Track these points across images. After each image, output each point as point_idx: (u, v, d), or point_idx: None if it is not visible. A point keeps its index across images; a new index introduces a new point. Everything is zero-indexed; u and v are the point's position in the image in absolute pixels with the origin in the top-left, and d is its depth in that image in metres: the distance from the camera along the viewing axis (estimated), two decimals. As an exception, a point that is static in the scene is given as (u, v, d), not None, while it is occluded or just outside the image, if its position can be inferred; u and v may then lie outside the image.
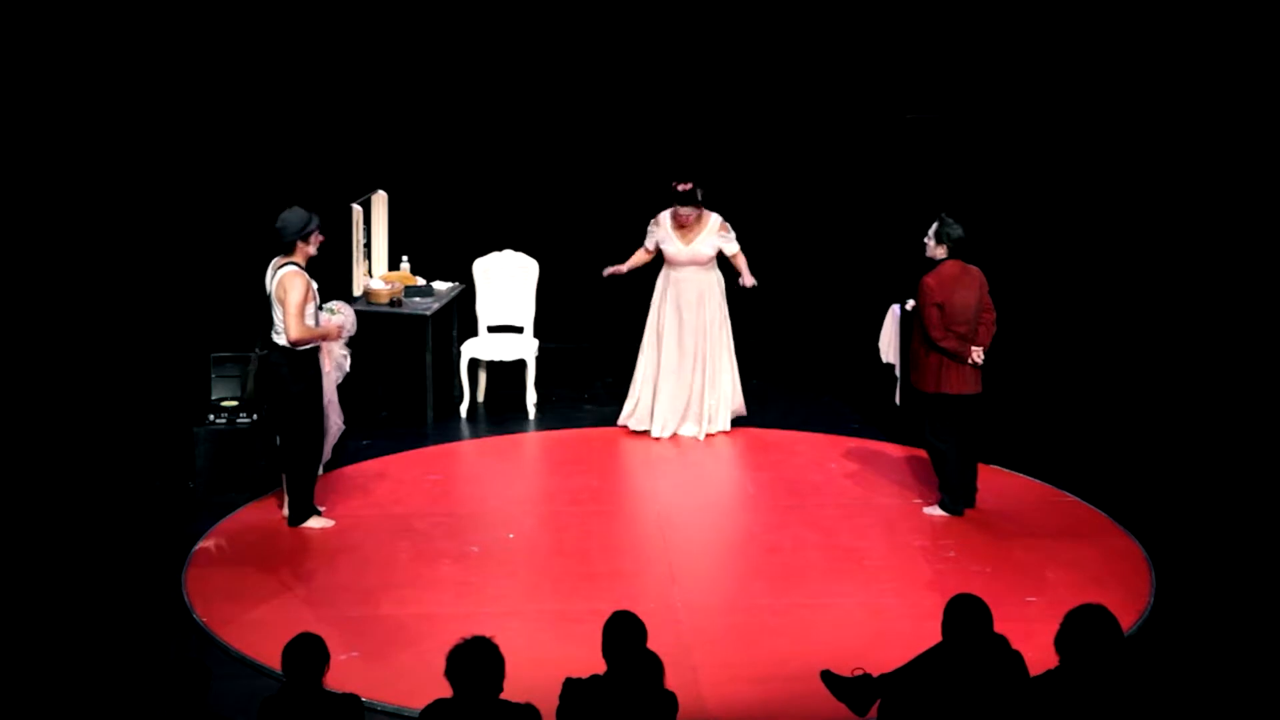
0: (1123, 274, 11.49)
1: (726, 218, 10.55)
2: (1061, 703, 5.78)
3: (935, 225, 9.30)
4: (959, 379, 9.26)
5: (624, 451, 10.75)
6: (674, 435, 10.82)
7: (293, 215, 9.01)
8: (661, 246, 10.68)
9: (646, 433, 10.83)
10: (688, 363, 10.75)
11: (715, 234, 10.66)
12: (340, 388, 9.74)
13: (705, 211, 10.64)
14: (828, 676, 6.62)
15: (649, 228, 10.72)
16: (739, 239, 10.71)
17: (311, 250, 9.06)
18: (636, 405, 10.88)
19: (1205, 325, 11.26)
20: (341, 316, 9.54)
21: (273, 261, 9.06)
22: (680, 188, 10.51)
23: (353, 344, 9.83)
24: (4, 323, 10.64)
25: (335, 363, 9.60)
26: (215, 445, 9.88)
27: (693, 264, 10.65)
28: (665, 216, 10.66)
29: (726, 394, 10.88)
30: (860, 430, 11.05)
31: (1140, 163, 11.38)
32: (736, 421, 10.99)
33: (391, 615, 8.29)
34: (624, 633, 5.94)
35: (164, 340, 11.38)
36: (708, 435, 10.84)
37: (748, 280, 10.74)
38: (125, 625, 8.16)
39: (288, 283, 8.91)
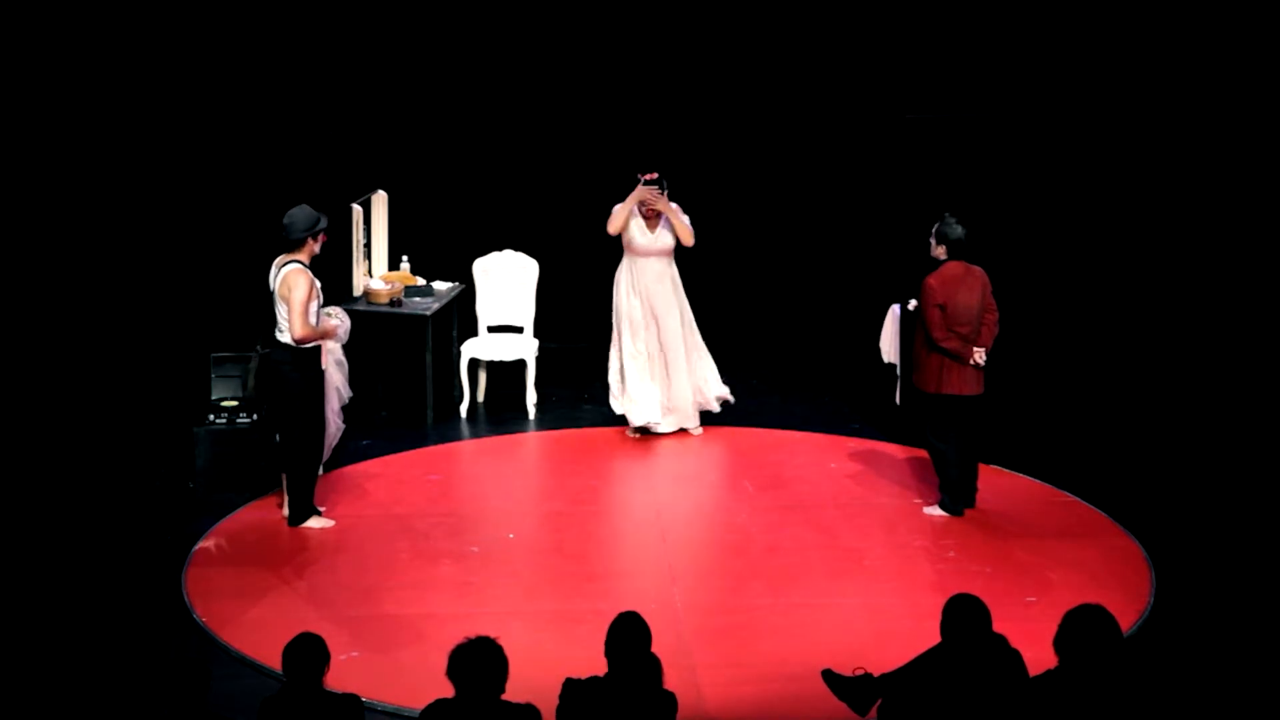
0: (1124, 274, 11.48)
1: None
2: (1060, 703, 5.78)
3: (937, 225, 9.29)
4: (960, 380, 9.26)
5: (624, 451, 10.74)
6: (659, 434, 10.83)
7: (300, 213, 9.01)
8: (630, 235, 10.66)
9: (643, 432, 10.82)
10: (669, 355, 10.74)
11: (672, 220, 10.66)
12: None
13: (671, 207, 10.60)
14: (829, 676, 6.62)
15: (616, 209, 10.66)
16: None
17: (316, 249, 9.07)
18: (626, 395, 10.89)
19: (1205, 325, 11.26)
20: (337, 320, 9.56)
21: (276, 260, 9.06)
22: (645, 178, 10.53)
23: (349, 347, 9.84)
24: (5, 323, 10.64)
25: (336, 361, 9.62)
26: (215, 445, 9.88)
27: (657, 254, 10.66)
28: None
29: (689, 388, 10.82)
30: (860, 430, 11.05)
31: (1141, 163, 11.38)
32: (714, 418, 10.99)
33: (392, 615, 8.29)
34: (629, 634, 5.93)
35: (164, 340, 11.38)
36: (682, 431, 10.86)
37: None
38: (125, 625, 8.16)
39: (292, 280, 8.91)
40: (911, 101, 11.23)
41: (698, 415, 10.89)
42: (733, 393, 10.96)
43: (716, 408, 10.94)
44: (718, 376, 10.93)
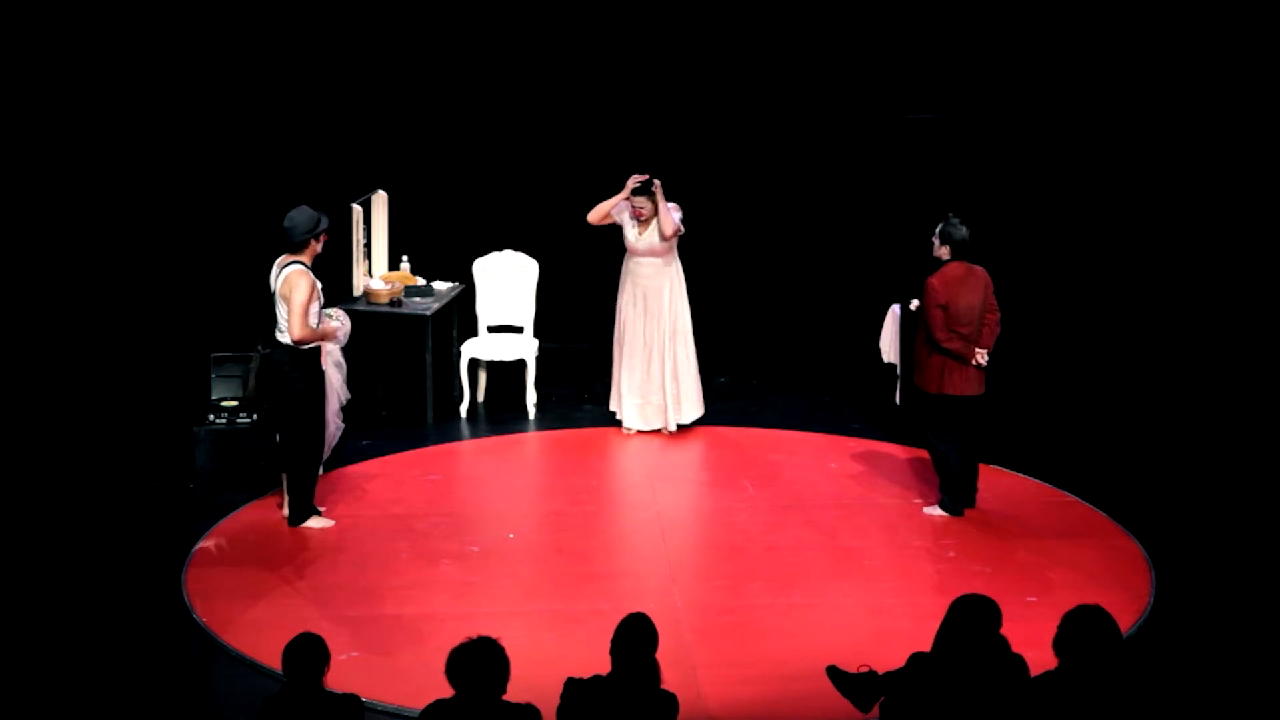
0: (1124, 274, 11.49)
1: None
2: (1060, 704, 5.78)
3: (941, 225, 9.29)
4: (962, 380, 9.26)
5: (624, 451, 10.75)
6: (648, 431, 10.83)
7: (301, 215, 9.01)
8: (624, 230, 10.68)
9: (640, 431, 10.84)
10: (651, 355, 10.74)
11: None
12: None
13: (664, 204, 10.57)
14: (833, 672, 6.62)
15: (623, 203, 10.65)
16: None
17: (318, 249, 9.08)
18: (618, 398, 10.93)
19: (1205, 325, 11.26)
20: (338, 323, 9.56)
21: (278, 260, 9.06)
22: (634, 179, 10.52)
23: (349, 347, 9.84)
24: (5, 323, 10.64)
25: (335, 363, 9.62)
26: (215, 445, 9.89)
27: (650, 255, 10.65)
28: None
29: (688, 388, 10.85)
30: (860, 430, 11.05)
31: (1141, 163, 11.39)
32: (715, 418, 10.99)
33: (392, 615, 8.29)
34: (637, 635, 5.91)
35: (164, 340, 11.38)
36: (679, 427, 10.84)
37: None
38: (125, 625, 8.16)
39: (294, 281, 8.91)
40: (911, 101, 11.23)
41: (666, 417, 10.85)
42: (731, 391, 10.94)
43: (671, 427, 10.87)
44: (696, 401, 10.89)
